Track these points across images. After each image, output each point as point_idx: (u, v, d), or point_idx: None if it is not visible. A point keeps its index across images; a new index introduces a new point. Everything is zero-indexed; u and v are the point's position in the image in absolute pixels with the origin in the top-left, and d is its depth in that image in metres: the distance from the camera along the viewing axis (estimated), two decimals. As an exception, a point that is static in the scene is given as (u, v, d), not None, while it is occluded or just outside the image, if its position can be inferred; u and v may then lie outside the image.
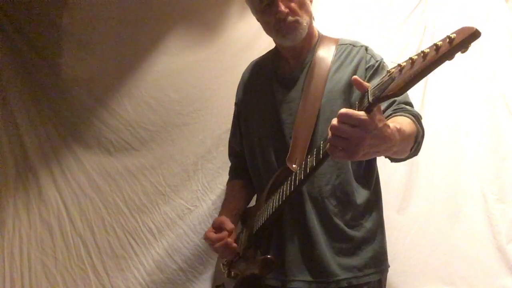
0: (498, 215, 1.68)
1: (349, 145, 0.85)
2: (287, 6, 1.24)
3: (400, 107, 1.16)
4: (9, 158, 1.76)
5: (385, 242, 1.33)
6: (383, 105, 1.15)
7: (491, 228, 1.68)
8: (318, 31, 1.39)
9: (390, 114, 1.14)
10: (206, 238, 1.35)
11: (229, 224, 1.33)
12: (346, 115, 0.84)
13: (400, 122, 1.00)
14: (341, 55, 1.31)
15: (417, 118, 1.12)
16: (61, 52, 1.83)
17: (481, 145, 1.72)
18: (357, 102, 0.89)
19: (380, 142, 0.88)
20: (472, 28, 0.67)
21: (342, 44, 1.34)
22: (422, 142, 1.13)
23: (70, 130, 1.81)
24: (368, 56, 1.29)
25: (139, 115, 1.82)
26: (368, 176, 1.30)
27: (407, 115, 1.11)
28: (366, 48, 1.31)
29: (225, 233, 1.31)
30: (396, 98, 1.16)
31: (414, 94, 1.75)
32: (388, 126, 0.89)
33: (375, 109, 0.84)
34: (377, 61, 1.28)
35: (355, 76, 0.89)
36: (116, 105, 1.82)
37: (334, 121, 0.86)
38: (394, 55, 1.78)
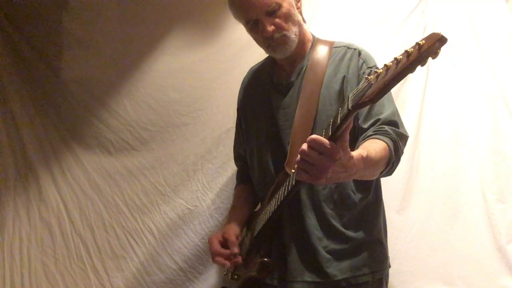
0: (498, 215, 1.67)
1: (314, 170, 0.90)
2: (272, 23, 1.23)
3: (382, 128, 1.16)
4: (9, 158, 1.76)
5: (386, 242, 1.33)
6: (366, 123, 1.19)
7: (491, 228, 1.67)
8: (312, 35, 1.38)
9: (371, 135, 1.15)
10: (211, 243, 1.36)
11: (235, 249, 1.33)
12: (314, 141, 0.88)
13: (369, 149, 1.04)
14: (335, 58, 1.30)
15: (395, 142, 1.13)
16: (61, 52, 1.83)
17: (481, 145, 1.72)
18: (331, 120, 0.91)
19: (342, 170, 0.94)
20: (439, 34, 0.69)
21: (337, 47, 1.33)
22: (396, 165, 1.17)
23: (70, 130, 1.81)
24: (361, 62, 1.27)
25: (139, 115, 1.82)
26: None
27: (384, 139, 1.12)
28: (360, 52, 1.29)
29: (227, 252, 1.33)
30: (380, 117, 1.18)
31: (414, 94, 1.76)
32: (352, 157, 0.94)
33: (342, 138, 0.88)
34: (368, 68, 1.26)
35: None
36: (116, 105, 1.82)
37: (304, 145, 0.89)
38: (394, 55, 1.77)
